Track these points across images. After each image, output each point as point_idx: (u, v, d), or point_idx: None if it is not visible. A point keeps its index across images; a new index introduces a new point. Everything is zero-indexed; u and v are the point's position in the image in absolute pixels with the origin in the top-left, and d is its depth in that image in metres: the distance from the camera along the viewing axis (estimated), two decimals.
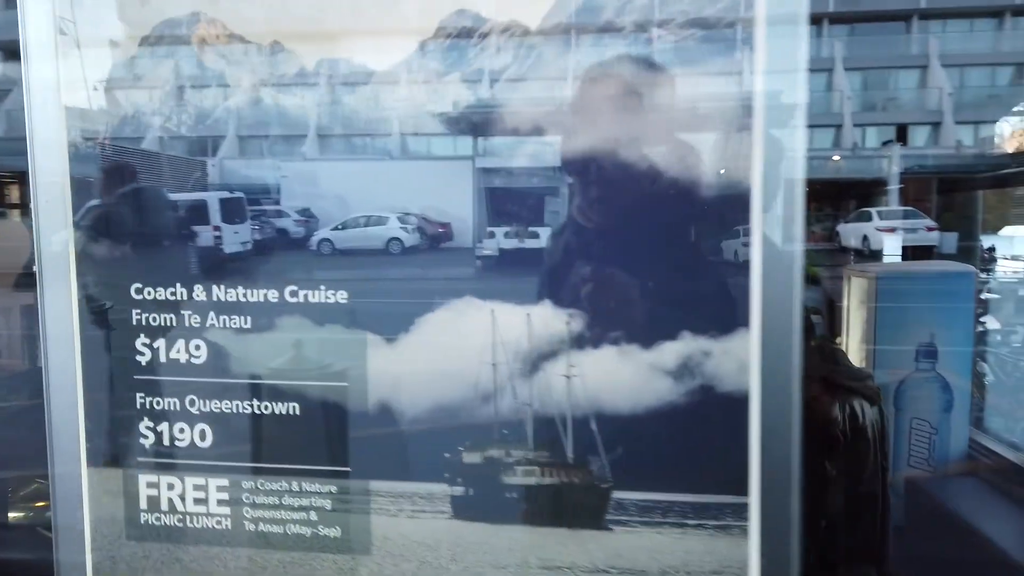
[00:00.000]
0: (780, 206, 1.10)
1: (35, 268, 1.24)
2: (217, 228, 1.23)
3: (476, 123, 1.20)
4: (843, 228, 12.36)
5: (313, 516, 1.24)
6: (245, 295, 1.19)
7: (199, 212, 1.25)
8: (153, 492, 1.28)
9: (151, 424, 1.26)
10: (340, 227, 1.22)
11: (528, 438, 1.18)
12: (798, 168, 1.09)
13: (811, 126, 1.09)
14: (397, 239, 1.23)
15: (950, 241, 9.51)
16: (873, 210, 11.96)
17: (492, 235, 1.20)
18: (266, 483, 1.25)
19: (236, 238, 1.22)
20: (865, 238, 11.50)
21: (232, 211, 1.23)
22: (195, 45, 1.22)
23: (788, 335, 1.10)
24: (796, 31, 1.07)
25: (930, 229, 9.87)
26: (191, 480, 1.26)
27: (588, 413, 1.16)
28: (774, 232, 1.09)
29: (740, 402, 1.12)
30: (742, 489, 1.13)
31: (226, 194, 1.27)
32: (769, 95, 1.08)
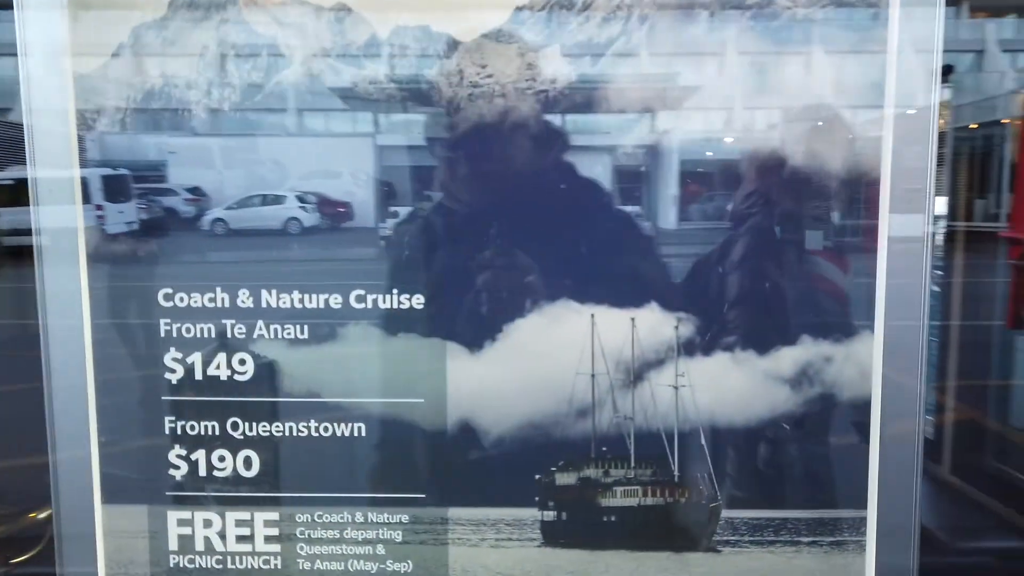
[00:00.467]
0: (908, 195, 1.02)
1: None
2: (100, 207, 1.10)
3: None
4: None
5: (380, 550, 1.09)
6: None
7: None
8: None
9: None
10: (235, 206, 1.11)
11: (631, 455, 1.07)
12: (930, 154, 1.02)
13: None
14: (296, 219, 1.12)
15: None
16: None
17: None
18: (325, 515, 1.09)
19: (120, 218, 1.10)
20: None
21: (115, 189, 1.11)
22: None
23: (915, 337, 1.03)
24: (932, 13, 0.99)
25: None
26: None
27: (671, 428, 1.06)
28: (902, 223, 1.02)
29: (861, 410, 1.05)
30: (860, 502, 1.06)
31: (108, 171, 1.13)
32: (901, 77, 1.00)
